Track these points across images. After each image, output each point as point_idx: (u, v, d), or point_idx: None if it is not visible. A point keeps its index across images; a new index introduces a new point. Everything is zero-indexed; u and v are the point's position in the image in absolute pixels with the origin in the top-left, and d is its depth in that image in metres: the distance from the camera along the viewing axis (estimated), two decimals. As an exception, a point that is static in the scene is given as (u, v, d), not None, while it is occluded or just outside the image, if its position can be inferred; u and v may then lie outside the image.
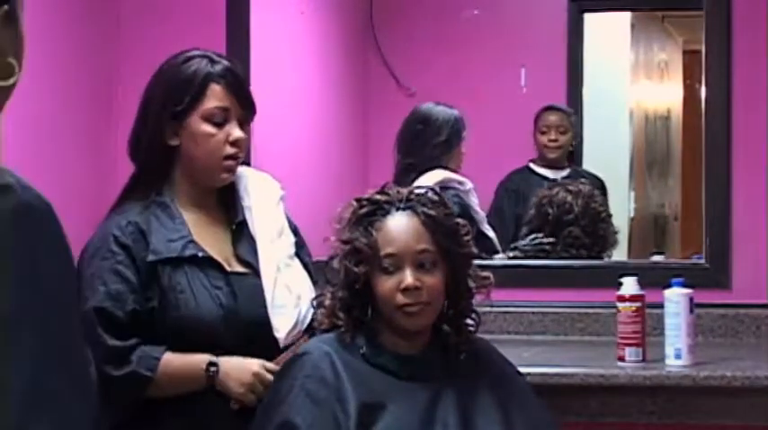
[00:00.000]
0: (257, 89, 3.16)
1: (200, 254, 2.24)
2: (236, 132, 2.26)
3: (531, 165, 3.77)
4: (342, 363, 2.03)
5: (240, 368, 2.19)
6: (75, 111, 2.98)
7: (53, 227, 1.11)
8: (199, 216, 2.32)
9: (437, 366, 2.09)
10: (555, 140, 3.75)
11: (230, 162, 2.28)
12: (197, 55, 2.29)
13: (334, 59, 3.98)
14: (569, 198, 3.33)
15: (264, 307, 2.26)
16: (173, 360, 2.19)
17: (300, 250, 2.43)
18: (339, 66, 4.00)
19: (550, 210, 3.33)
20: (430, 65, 3.78)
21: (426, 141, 3.44)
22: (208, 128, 2.26)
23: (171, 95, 2.28)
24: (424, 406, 2.03)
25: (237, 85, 2.29)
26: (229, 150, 2.27)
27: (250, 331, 2.23)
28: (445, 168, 3.42)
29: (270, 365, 2.19)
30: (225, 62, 2.30)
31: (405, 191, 2.12)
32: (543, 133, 3.76)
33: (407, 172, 3.37)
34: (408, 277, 2.04)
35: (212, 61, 2.29)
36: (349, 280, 2.08)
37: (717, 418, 2.51)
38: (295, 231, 2.44)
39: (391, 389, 2.03)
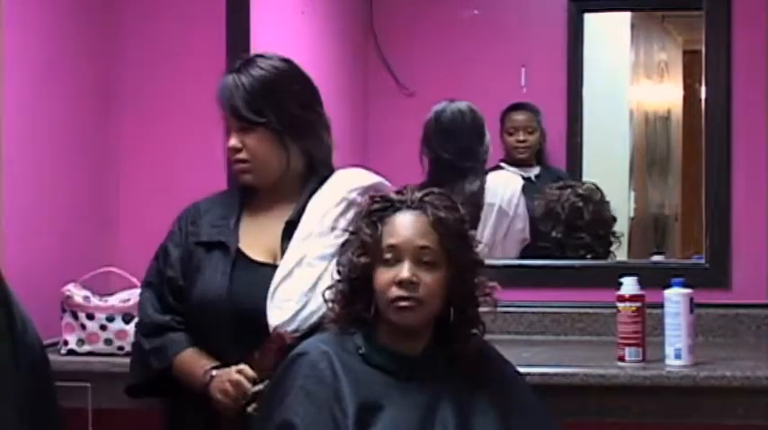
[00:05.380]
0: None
1: (223, 239, 2.34)
2: (230, 141, 2.38)
3: (503, 165, 3.72)
4: (340, 363, 2.04)
5: (222, 374, 2.25)
6: (75, 112, 2.98)
7: None
8: (259, 209, 2.41)
9: (436, 367, 2.09)
10: (523, 141, 3.66)
11: (236, 166, 2.39)
12: (234, 62, 2.44)
13: (334, 59, 3.98)
14: (580, 203, 3.35)
15: (263, 298, 2.27)
16: (185, 358, 2.33)
17: None
18: (339, 66, 3.99)
19: (561, 213, 3.34)
20: (430, 65, 3.78)
21: (483, 142, 3.50)
22: (228, 137, 2.40)
23: None
24: (423, 406, 2.03)
25: (227, 97, 2.37)
26: (231, 156, 2.39)
27: (244, 318, 2.26)
28: None
29: (248, 372, 2.22)
30: (230, 73, 2.39)
31: (420, 192, 2.13)
32: (511, 134, 3.67)
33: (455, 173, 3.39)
34: (405, 270, 2.04)
35: (228, 72, 2.41)
36: (351, 271, 2.09)
37: (717, 418, 2.51)
38: None
39: (390, 389, 2.03)
